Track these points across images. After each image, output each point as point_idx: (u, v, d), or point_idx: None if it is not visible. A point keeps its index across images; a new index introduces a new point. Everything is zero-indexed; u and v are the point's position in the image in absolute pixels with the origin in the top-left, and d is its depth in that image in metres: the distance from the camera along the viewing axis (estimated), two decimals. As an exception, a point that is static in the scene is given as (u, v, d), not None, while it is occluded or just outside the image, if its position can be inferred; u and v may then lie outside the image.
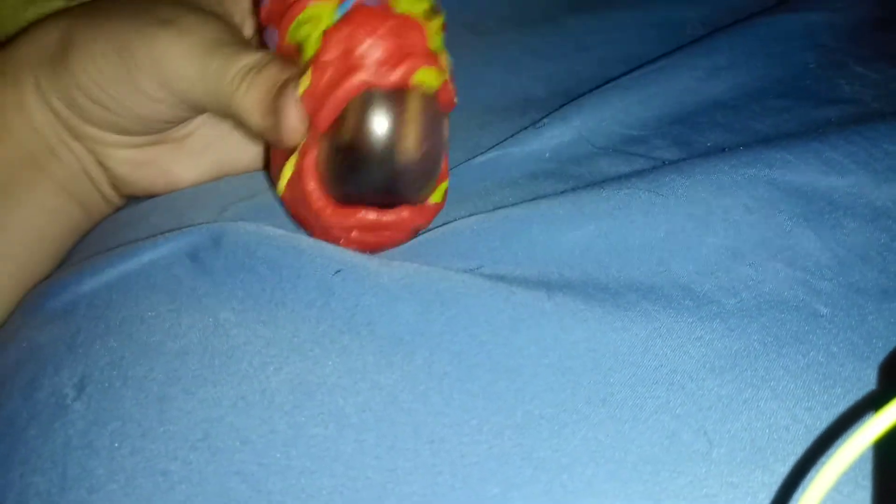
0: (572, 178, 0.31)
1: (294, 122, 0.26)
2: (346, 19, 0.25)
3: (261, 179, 0.33)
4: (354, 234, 0.27)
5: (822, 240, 0.27)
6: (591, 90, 0.36)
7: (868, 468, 0.21)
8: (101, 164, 0.32)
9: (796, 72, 0.36)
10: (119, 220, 0.33)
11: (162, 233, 0.29)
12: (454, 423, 0.23)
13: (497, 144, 0.33)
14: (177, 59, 0.28)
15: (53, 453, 0.23)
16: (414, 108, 0.25)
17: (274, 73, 0.27)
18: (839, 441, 0.22)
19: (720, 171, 0.28)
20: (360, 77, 0.24)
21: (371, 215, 0.26)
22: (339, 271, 0.25)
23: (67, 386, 0.24)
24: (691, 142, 0.32)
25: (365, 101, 0.25)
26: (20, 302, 0.31)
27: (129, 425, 0.23)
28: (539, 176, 0.31)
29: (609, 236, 0.27)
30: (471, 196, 0.31)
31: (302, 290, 0.25)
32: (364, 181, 0.26)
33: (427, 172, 0.27)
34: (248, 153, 0.34)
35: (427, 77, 0.25)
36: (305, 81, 0.25)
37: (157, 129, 0.31)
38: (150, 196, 0.33)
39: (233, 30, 0.29)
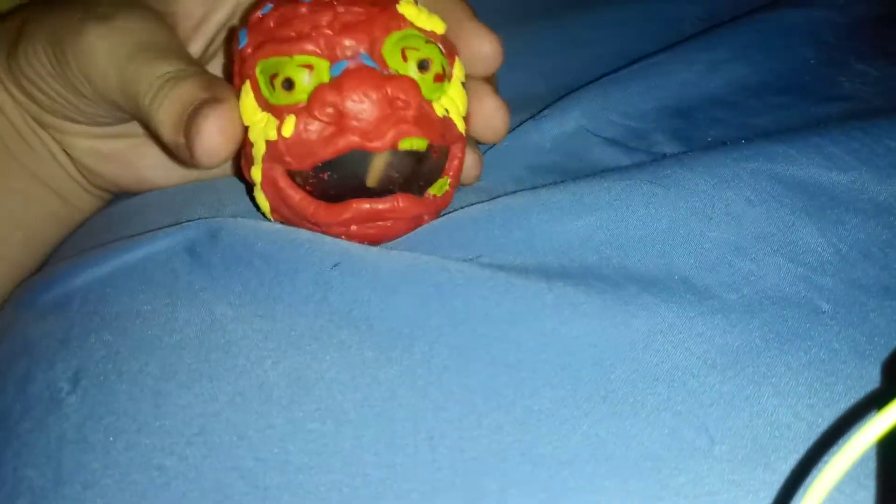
0: (572, 170, 0.31)
1: (209, 147, 0.25)
2: (339, 80, 0.25)
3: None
4: (354, 228, 0.27)
5: (823, 235, 0.27)
6: (590, 83, 0.35)
7: (871, 467, 0.21)
8: (66, 153, 0.32)
9: (797, 68, 0.36)
10: (111, 216, 0.32)
11: (157, 228, 0.28)
12: (453, 418, 0.23)
13: None
14: (98, 57, 0.27)
15: (47, 447, 0.23)
16: (399, 158, 0.26)
17: (192, 90, 0.26)
18: (842, 440, 0.22)
19: (722, 164, 0.28)
20: (350, 139, 0.25)
21: (365, 205, 0.26)
22: (337, 265, 0.25)
23: (62, 380, 0.24)
24: (691, 136, 0.32)
25: (352, 155, 0.26)
26: (11, 296, 0.30)
27: (123, 420, 0.23)
28: (540, 168, 0.31)
29: (610, 227, 0.27)
30: (471, 189, 0.31)
31: (300, 283, 0.25)
32: (349, 193, 0.27)
33: (416, 185, 0.27)
34: None
35: (413, 143, 0.26)
36: (289, 127, 0.25)
37: (106, 123, 0.31)
38: (122, 191, 0.33)
39: (165, 31, 0.28)
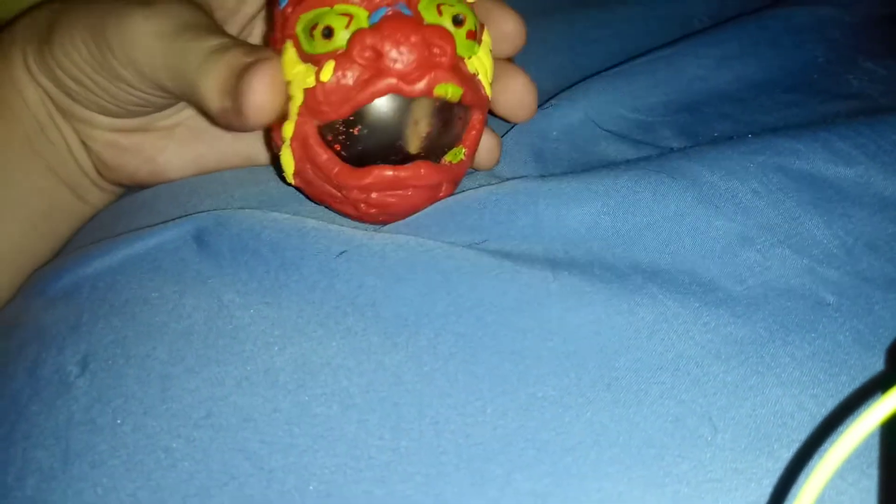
0: (578, 161, 0.31)
1: (260, 102, 0.26)
2: (377, 25, 0.26)
3: (267, 170, 0.33)
4: (374, 195, 0.27)
5: (829, 227, 0.27)
6: (597, 74, 0.35)
7: (873, 456, 0.21)
8: (85, 145, 0.32)
9: (805, 65, 0.36)
10: (121, 208, 0.33)
11: (166, 220, 0.29)
12: (458, 403, 0.23)
13: (507, 130, 0.33)
14: (144, 39, 0.28)
15: (56, 429, 0.23)
16: (430, 110, 0.27)
17: (237, 56, 0.26)
18: (844, 425, 0.22)
19: (729, 157, 0.28)
20: (388, 82, 0.25)
21: (388, 171, 0.27)
22: (343, 252, 0.25)
23: (71, 363, 0.24)
24: (698, 132, 0.32)
25: (387, 100, 0.26)
26: (23, 285, 0.31)
27: (131, 402, 0.23)
28: (546, 155, 0.31)
29: (616, 214, 0.27)
30: (478, 176, 0.31)
31: (306, 271, 0.25)
32: (377, 153, 0.27)
33: (439, 150, 0.28)
34: (237, 148, 0.33)
35: (447, 90, 0.26)
36: (327, 72, 0.26)
37: (138, 113, 0.31)
38: (135, 184, 0.33)
39: (205, 15, 0.29)
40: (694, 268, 0.26)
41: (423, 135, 0.27)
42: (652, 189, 0.27)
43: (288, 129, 0.27)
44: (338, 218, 0.29)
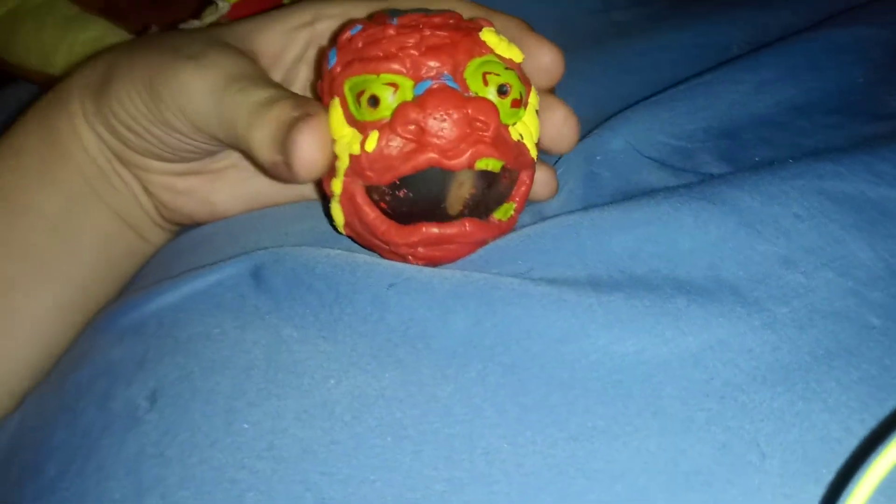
0: (620, 189, 0.31)
1: (307, 159, 0.26)
2: (423, 98, 0.26)
3: (317, 205, 0.34)
4: (420, 250, 0.28)
5: (874, 250, 0.27)
6: (637, 103, 0.36)
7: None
8: (146, 190, 0.33)
9: (845, 87, 0.36)
10: (181, 246, 0.34)
11: (224, 257, 0.30)
12: (509, 434, 0.23)
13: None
14: (195, 93, 0.28)
15: (128, 462, 0.24)
16: (473, 177, 0.27)
17: (286, 110, 0.27)
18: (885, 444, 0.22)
19: (769, 182, 0.28)
20: (430, 155, 0.26)
21: (434, 229, 0.27)
22: (392, 285, 0.26)
23: (140, 398, 0.26)
24: (738, 157, 0.33)
25: (430, 172, 0.27)
26: (91, 321, 0.32)
27: (198, 436, 0.24)
28: (589, 183, 0.32)
29: (659, 240, 0.27)
30: (524, 212, 0.31)
31: (358, 304, 0.26)
32: (422, 214, 0.28)
33: (486, 209, 0.28)
34: (288, 186, 0.34)
35: (488, 164, 0.27)
36: (372, 142, 0.26)
37: (191, 158, 0.32)
38: (195, 223, 0.34)
39: (254, 65, 0.30)
40: (738, 289, 0.26)
41: (467, 197, 0.27)
42: (693, 215, 0.27)
43: (337, 186, 0.28)
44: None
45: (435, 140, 0.26)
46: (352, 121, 0.27)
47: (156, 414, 0.25)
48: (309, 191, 0.35)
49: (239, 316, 0.27)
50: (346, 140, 0.27)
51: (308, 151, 0.26)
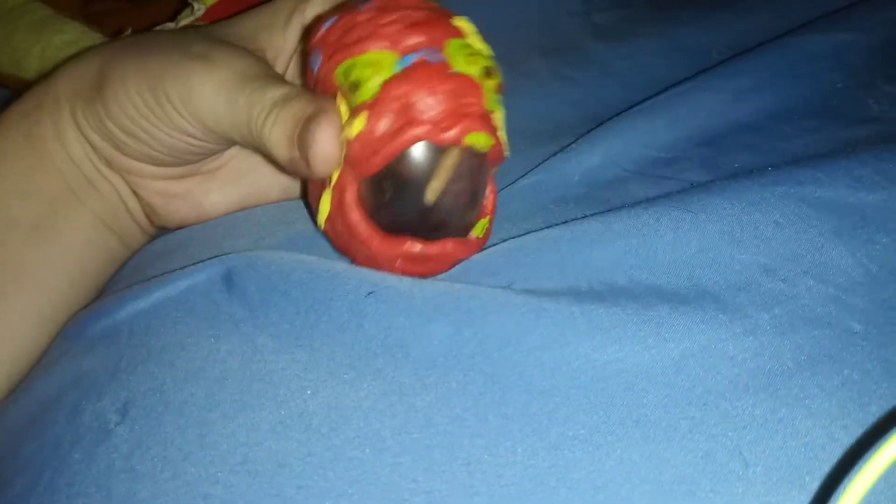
0: (602, 201, 0.31)
1: (324, 153, 0.26)
2: (406, 73, 0.25)
3: (297, 208, 0.33)
4: (399, 263, 0.27)
5: (853, 256, 0.27)
6: (618, 115, 0.36)
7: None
8: (136, 194, 0.33)
9: (824, 92, 0.36)
10: (155, 250, 0.33)
11: (199, 261, 0.29)
12: (490, 444, 0.23)
13: (528, 172, 0.33)
14: (207, 93, 0.28)
15: (98, 477, 0.24)
16: (461, 162, 0.26)
17: (301, 106, 0.27)
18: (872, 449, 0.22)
19: (749, 189, 0.28)
20: (417, 132, 0.25)
21: (417, 247, 0.27)
22: (371, 293, 0.26)
23: (110, 411, 0.25)
24: (719, 164, 0.33)
25: (417, 151, 0.26)
26: (62, 328, 0.31)
27: (170, 449, 0.24)
28: (569, 201, 0.32)
29: (639, 252, 0.27)
30: (502, 222, 0.31)
31: (336, 312, 0.26)
32: (407, 219, 0.27)
33: (468, 212, 0.28)
34: (279, 184, 0.34)
35: (478, 139, 0.26)
36: (359, 124, 0.26)
37: (189, 161, 0.32)
38: (182, 226, 0.34)
39: (264, 64, 0.30)
40: (719, 298, 0.26)
41: (453, 175, 0.26)
42: (673, 226, 0.27)
43: (334, 176, 0.27)
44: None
45: (421, 117, 0.25)
46: (349, 109, 0.27)
47: (126, 427, 0.24)
48: (294, 186, 0.34)
49: (213, 324, 0.27)
50: (344, 129, 0.27)
51: (325, 146, 0.26)
